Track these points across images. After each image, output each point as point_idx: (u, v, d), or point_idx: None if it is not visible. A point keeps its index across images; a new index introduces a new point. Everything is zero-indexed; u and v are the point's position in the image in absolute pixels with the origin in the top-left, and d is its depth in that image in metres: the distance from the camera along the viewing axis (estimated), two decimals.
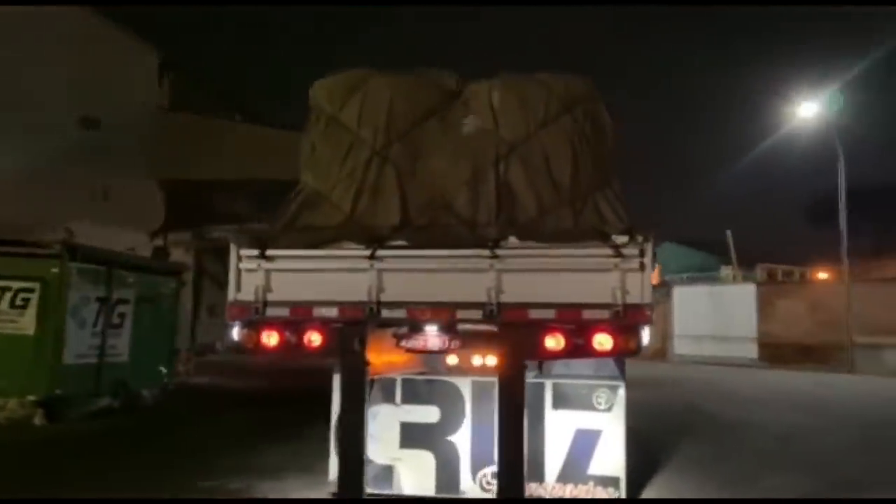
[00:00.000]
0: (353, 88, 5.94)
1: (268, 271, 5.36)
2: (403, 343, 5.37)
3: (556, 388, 6.53)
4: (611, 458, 6.48)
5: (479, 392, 6.52)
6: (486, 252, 5.16)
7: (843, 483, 7.90)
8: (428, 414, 6.65)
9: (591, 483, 6.51)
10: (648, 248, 5.06)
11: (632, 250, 5.04)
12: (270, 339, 5.34)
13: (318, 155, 5.86)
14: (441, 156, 5.72)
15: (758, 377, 20.61)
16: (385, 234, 5.31)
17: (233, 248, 5.41)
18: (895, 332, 20.74)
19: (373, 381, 6.69)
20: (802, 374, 20.91)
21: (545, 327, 5.17)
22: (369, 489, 6.46)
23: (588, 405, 6.50)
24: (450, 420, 6.60)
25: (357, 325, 5.32)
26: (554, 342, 5.14)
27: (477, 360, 6.01)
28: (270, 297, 5.33)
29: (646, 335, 5.16)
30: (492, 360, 5.73)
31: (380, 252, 5.23)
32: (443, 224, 5.44)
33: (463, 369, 5.98)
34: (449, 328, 5.27)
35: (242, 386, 17.27)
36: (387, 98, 5.87)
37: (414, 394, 6.66)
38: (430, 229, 5.38)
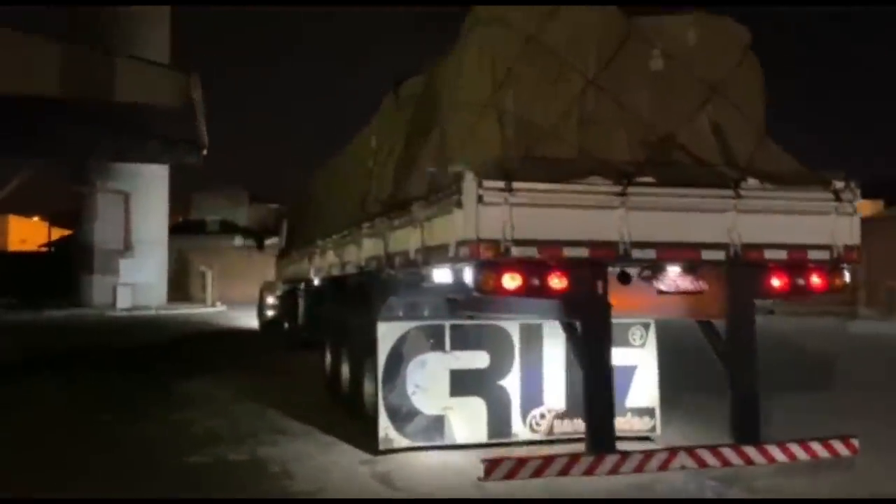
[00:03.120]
0: (552, 11, 5.41)
1: (512, 206, 4.80)
2: (655, 284, 5.18)
3: None
4: (646, 391, 6.99)
5: (527, 334, 6.70)
6: (731, 192, 5.16)
7: None
8: (477, 359, 6.63)
9: (629, 414, 6.97)
10: (858, 193, 5.43)
11: (848, 195, 5.37)
12: (513, 281, 4.83)
13: (520, 78, 5.27)
14: (642, 90, 5.50)
15: None
16: (631, 170, 5.02)
17: (470, 179, 4.74)
18: None
19: (418, 328, 6.46)
20: None
21: (769, 267, 5.34)
22: (420, 441, 6.44)
23: (624, 342, 6.85)
24: (499, 364, 6.65)
25: (601, 266, 5.02)
26: (779, 282, 5.35)
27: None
28: (516, 235, 4.79)
29: (847, 274, 5.57)
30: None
31: (630, 189, 4.96)
32: (679, 162, 5.27)
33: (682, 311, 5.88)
34: (695, 268, 5.21)
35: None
36: (592, 24, 5.45)
37: (463, 339, 6.60)
38: (674, 167, 5.19)
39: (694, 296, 5.37)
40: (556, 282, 4.89)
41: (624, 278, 5.17)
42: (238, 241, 41.90)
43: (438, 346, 6.61)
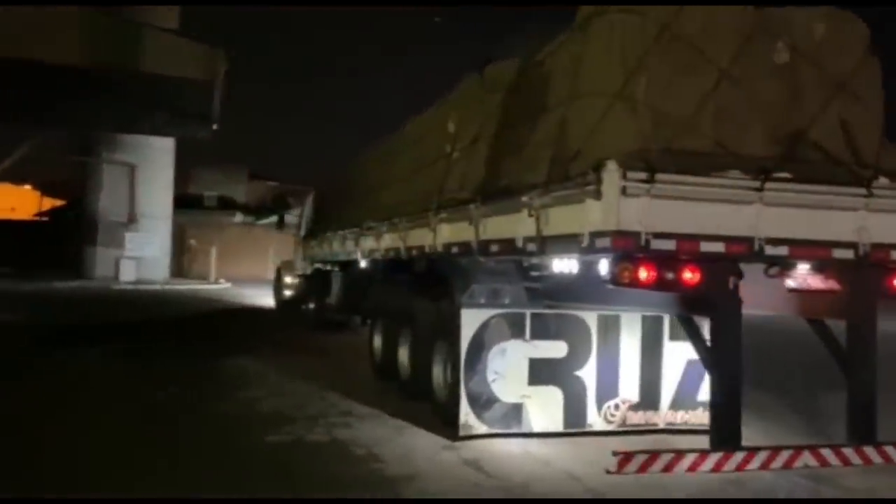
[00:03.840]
0: None
1: (653, 198, 4.72)
2: (788, 282, 5.13)
3: (672, 320, 6.78)
4: None
5: (605, 326, 6.69)
6: (863, 191, 5.11)
7: None
8: (556, 349, 6.62)
9: (700, 408, 6.95)
10: None
11: None
12: (649, 274, 4.75)
13: (654, 68, 5.15)
14: (772, 84, 5.41)
15: None
16: (768, 165, 4.94)
17: (614, 169, 4.65)
18: None
19: (500, 315, 6.44)
20: None
21: (892, 268, 5.30)
22: (497, 428, 6.44)
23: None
24: (577, 354, 6.64)
25: (734, 261, 4.96)
26: None
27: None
28: (656, 227, 4.71)
29: None
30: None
31: (767, 185, 4.89)
32: (811, 159, 5.20)
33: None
34: (823, 267, 5.16)
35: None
36: (724, 13, 5.35)
37: (543, 328, 6.59)
38: (807, 163, 5.12)
39: (822, 294, 5.32)
40: (689, 276, 4.82)
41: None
42: (238, 217, 41.59)
43: (519, 334, 6.59)
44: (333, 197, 14.61)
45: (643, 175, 4.66)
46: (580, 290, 5.91)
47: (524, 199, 5.74)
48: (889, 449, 5.19)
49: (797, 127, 5.31)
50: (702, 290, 4.88)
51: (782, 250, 4.98)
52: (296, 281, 18.40)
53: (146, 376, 9.76)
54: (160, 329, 15.56)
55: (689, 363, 7.00)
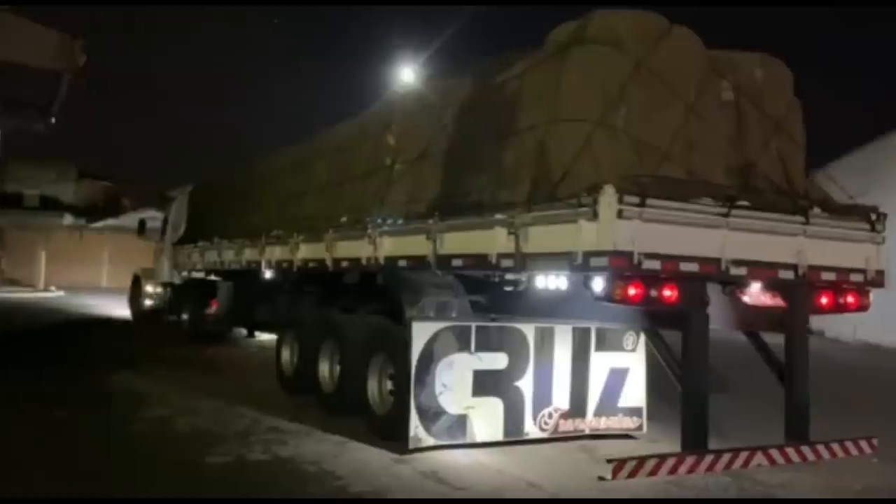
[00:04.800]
0: (662, 33, 5.76)
1: (644, 221, 5.09)
2: (745, 298, 5.66)
3: (598, 332, 7.41)
4: (635, 392, 7.67)
5: (541, 337, 7.10)
6: (802, 219, 5.78)
7: None
8: (498, 360, 6.91)
9: (620, 414, 7.63)
10: (885, 224, 6.27)
11: (880, 226, 6.20)
12: (637, 291, 5.12)
13: (632, 99, 5.56)
14: (721, 119, 5.99)
15: None
16: (733, 193, 5.48)
17: (611, 193, 4.97)
18: None
19: (448, 328, 6.70)
20: None
21: (818, 287, 6.04)
22: (444, 440, 6.67)
23: (619, 346, 7.55)
24: (516, 365, 6.97)
25: (703, 280, 5.43)
26: (826, 300, 6.06)
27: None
28: (645, 248, 5.08)
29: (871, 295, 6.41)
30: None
31: (733, 211, 5.42)
32: (760, 189, 5.80)
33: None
34: (773, 285, 5.76)
35: None
36: (690, 52, 5.86)
37: (486, 341, 6.87)
38: (759, 193, 5.71)
39: (769, 311, 5.95)
40: (669, 293, 5.23)
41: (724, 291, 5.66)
42: (68, 219, 38.34)
43: (465, 346, 6.75)
44: (219, 202, 14.00)
45: (636, 199, 5.02)
46: (556, 304, 6.18)
47: (500, 216, 5.93)
48: (819, 447, 5.89)
49: (747, 159, 5.93)
50: (678, 306, 5.31)
51: (742, 270, 5.54)
52: (158, 290, 17.40)
53: (29, 396, 8.87)
54: (16, 343, 14.05)
55: (612, 372, 7.55)
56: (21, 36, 16.36)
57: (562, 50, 5.91)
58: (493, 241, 6.04)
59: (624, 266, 5.00)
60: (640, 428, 7.72)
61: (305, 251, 9.54)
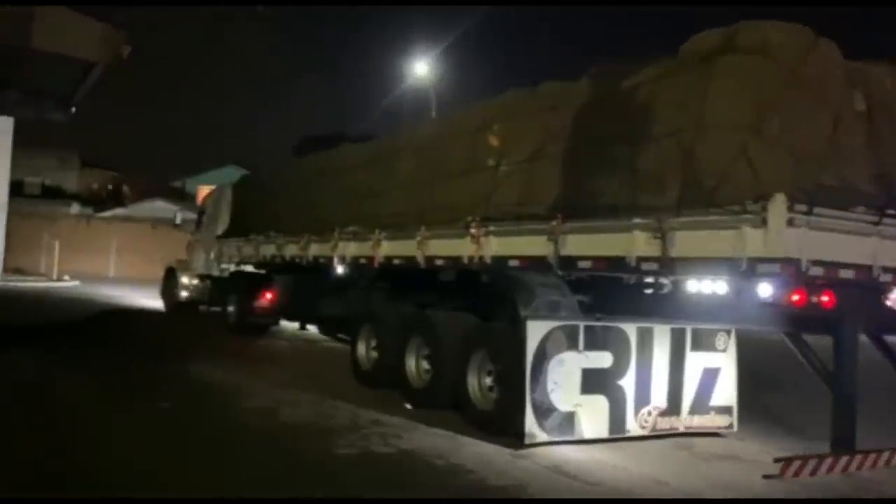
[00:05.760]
0: (811, 44, 5.84)
1: (809, 229, 5.19)
2: (889, 303, 5.80)
3: (693, 332, 7.54)
4: (726, 391, 7.82)
5: (642, 337, 7.23)
6: None
7: None
8: (603, 359, 7.06)
9: (712, 413, 7.77)
10: None
11: None
12: (800, 296, 5.23)
13: (786, 107, 5.61)
14: (860, 129, 6.07)
15: None
16: (883, 201, 5.60)
17: (782, 202, 5.06)
18: None
19: (559, 327, 6.80)
20: None
21: None
22: (555, 436, 6.79)
23: (712, 346, 7.70)
24: (619, 364, 7.11)
25: (857, 286, 5.55)
26: None
27: None
28: (810, 256, 5.19)
29: None
30: None
31: (884, 220, 5.54)
32: None
33: None
34: None
35: None
36: (837, 61, 5.95)
37: (593, 340, 7.01)
38: None
39: None
40: (826, 299, 5.35)
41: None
42: (75, 208, 37.99)
43: (574, 345, 6.88)
44: (270, 197, 13.99)
45: (805, 207, 5.12)
46: (693, 305, 6.26)
47: (640, 220, 6.01)
48: None
49: (885, 168, 6.02)
50: (833, 312, 5.42)
51: (888, 277, 5.66)
52: (195, 282, 17.35)
53: (124, 387, 8.86)
54: (73, 335, 13.82)
55: (706, 371, 7.68)
56: (66, 26, 16.19)
57: (708, 59, 5.95)
58: (631, 243, 6.13)
59: (792, 273, 5.10)
60: (730, 426, 7.86)
61: (389, 248, 9.58)
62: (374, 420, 7.66)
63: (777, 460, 5.28)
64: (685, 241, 5.69)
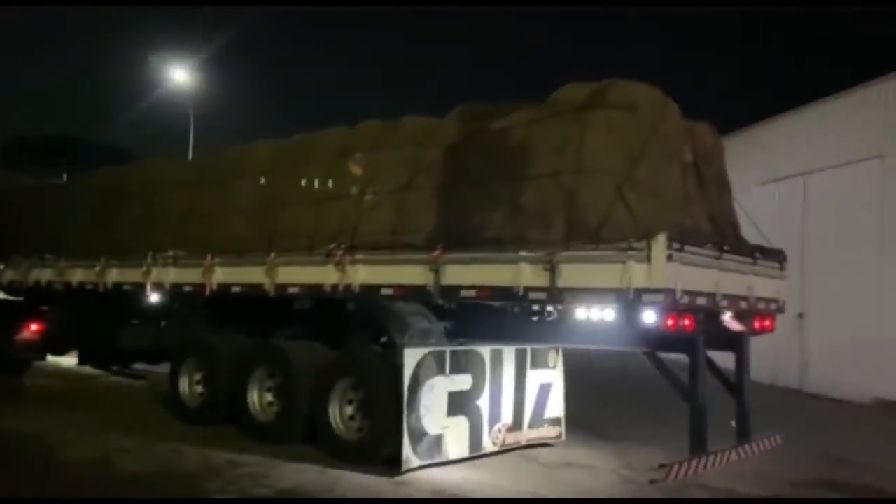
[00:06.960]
0: (664, 103, 6.87)
1: (681, 264, 6.08)
2: (727, 324, 6.87)
3: (532, 351, 8.43)
4: (556, 404, 8.80)
5: (495, 358, 7.91)
6: (751, 260, 7.21)
7: None
8: (465, 382, 7.58)
9: (546, 425, 8.64)
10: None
11: (785, 264, 7.88)
12: (671, 321, 6.10)
13: (650, 157, 6.52)
14: (692, 177, 7.22)
15: None
16: (718, 238, 6.73)
17: (663, 240, 5.89)
18: None
19: (430, 353, 7.28)
20: None
21: (753, 314, 7.52)
22: (425, 460, 7.18)
23: (546, 364, 8.66)
24: (477, 385, 7.69)
25: (705, 312, 6.55)
26: (757, 325, 7.56)
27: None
28: (682, 286, 6.08)
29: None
30: None
31: (723, 255, 6.66)
32: (727, 235, 7.10)
33: None
34: (743, 315, 7.08)
35: None
36: (677, 120, 7.03)
37: (457, 364, 7.49)
38: (729, 239, 7.00)
39: (734, 333, 7.29)
40: (688, 322, 6.29)
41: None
42: None
43: (441, 370, 7.25)
44: (41, 213, 12.45)
45: (678, 245, 6.01)
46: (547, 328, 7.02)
47: (526, 253, 6.56)
48: (764, 442, 7.39)
49: (712, 211, 7.23)
50: (691, 334, 6.39)
51: (724, 303, 6.79)
52: None
53: None
54: None
55: (541, 387, 8.45)
56: None
57: (581, 110, 6.71)
58: (517, 274, 6.64)
59: (671, 301, 5.95)
60: (559, 437, 8.69)
61: (226, 274, 9.12)
62: (229, 461, 7.32)
63: (662, 466, 6.08)
64: (573, 273, 6.33)
